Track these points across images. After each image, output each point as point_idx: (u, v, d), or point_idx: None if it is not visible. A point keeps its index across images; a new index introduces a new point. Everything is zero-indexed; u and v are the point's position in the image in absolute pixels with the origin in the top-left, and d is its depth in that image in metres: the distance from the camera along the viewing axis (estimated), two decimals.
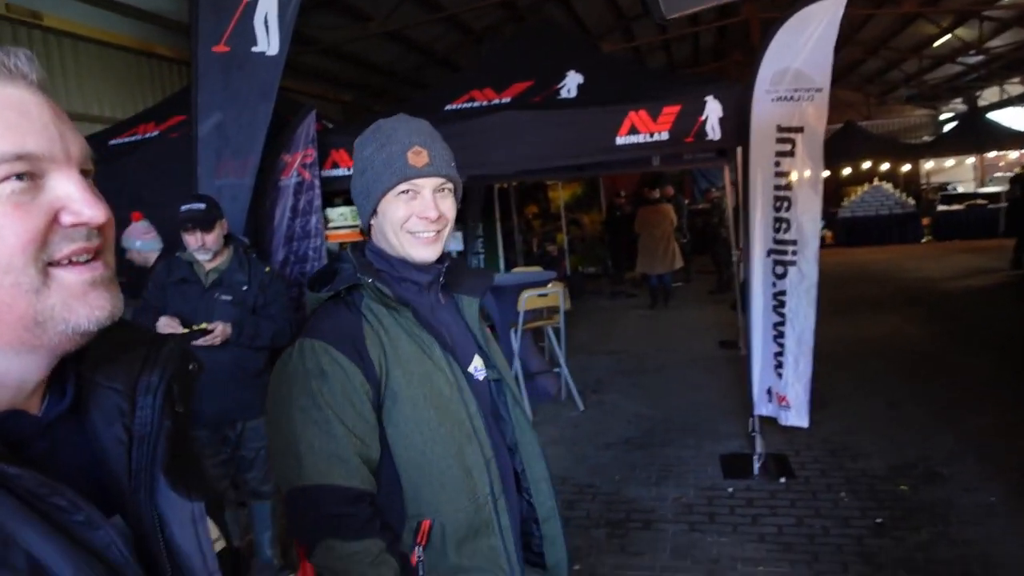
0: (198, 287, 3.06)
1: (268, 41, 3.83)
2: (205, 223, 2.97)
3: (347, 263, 1.30)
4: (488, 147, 4.34)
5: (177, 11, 7.38)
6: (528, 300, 5.42)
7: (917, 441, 4.45)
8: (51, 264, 0.60)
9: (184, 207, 2.99)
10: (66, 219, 0.61)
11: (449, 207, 1.29)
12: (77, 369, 0.69)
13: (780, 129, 3.91)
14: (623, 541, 3.55)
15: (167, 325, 2.90)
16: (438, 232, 1.27)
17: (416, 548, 1.21)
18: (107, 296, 0.64)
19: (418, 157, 1.24)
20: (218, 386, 3.02)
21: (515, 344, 5.47)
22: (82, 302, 0.61)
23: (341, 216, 9.09)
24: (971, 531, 3.34)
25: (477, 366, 1.36)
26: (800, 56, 3.77)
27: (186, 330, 2.92)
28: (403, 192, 1.25)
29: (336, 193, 4.65)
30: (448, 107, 4.83)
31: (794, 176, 3.92)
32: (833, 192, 17.92)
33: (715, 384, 6.09)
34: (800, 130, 3.88)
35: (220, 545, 0.76)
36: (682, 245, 10.99)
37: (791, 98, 3.85)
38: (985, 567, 3.03)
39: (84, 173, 0.64)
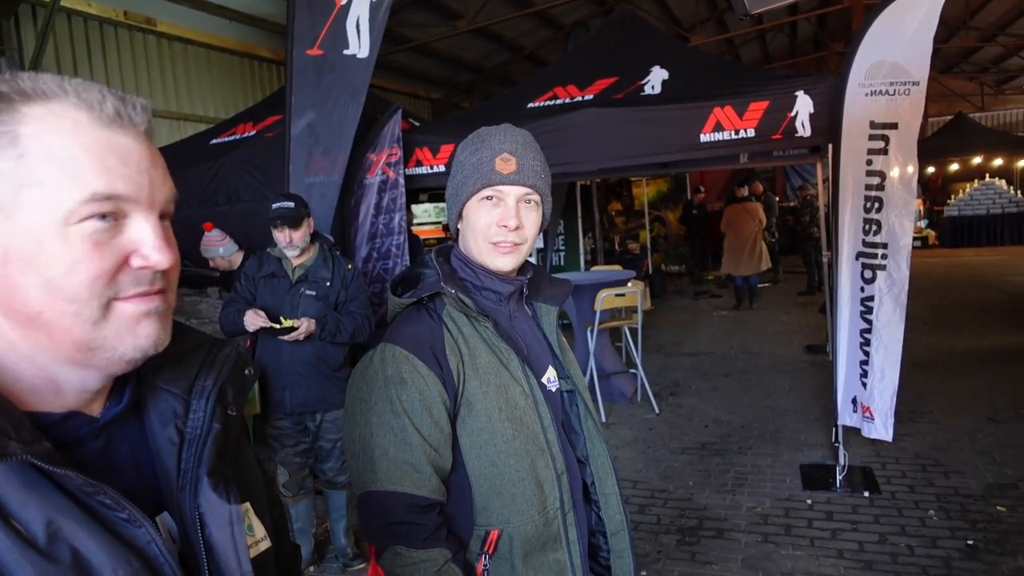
0: (286, 282, 3.23)
1: (359, 44, 3.97)
2: (293, 220, 3.12)
3: (431, 269, 1.30)
4: (569, 144, 4.34)
5: (277, 14, 7.73)
6: (605, 300, 5.39)
7: (1020, 460, 4.16)
8: (114, 299, 0.65)
9: (275, 205, 3.15)
10: (136, 262, 0.65)
11: (532, 219, 1.27)
12: (138, 372, 0.74)
13: (873, 125, 3.73)
14: (693, 549, 3.49)
15: (253, 318, 3.08)
16: (517, 244, 1.25)
17: (483, 557, 1.22)
18: (156, 328, 0.68)
19: (506, 164, 1.23)
20: (300, 378, 3.19)
21: (591, 343, 5.45)
22: (132, 333, 0.66)
23: (425, 212, 9.30)
24: None
25: (551, 377, 1.35)
26: (897, 48, 3.58)
27: (274, 324, 3.09)
28: (487, 198, 1.24)
29: (419, 190, 4.76)
30: (531, 105, 4.86)
31: (892, 173, 3.73)
32: (939, 189, 16.89)
33: (799, 390, 5.88)
34: (894, 126, 3.69)
35: (264, 545, 0.81)
36: (770, 245, 10.63)
37: (886, 92, 3.66)
38: None
39: (164, 216, 0.69)
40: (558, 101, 4.87)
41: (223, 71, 8.47)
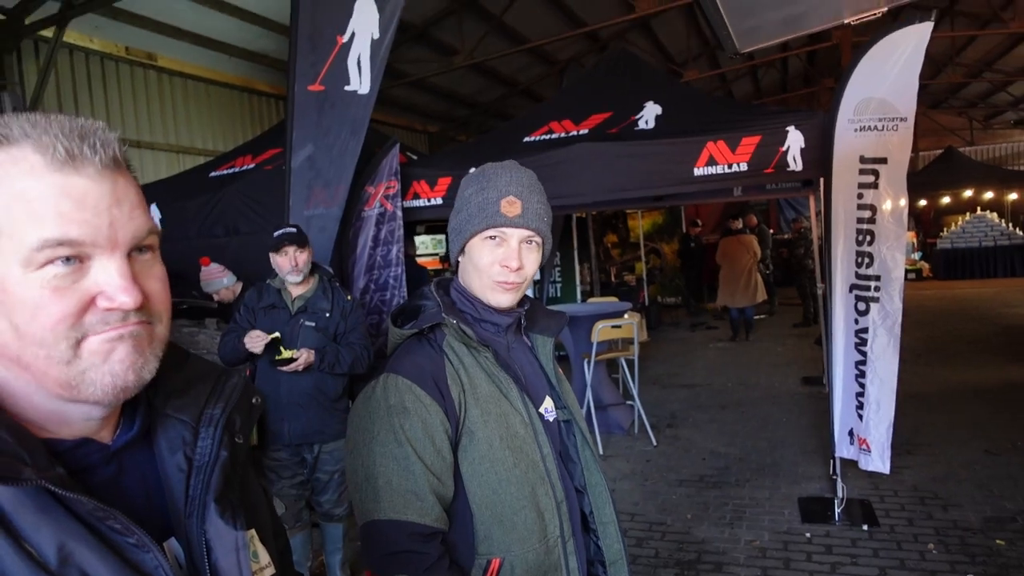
0: (285, 313, 3.25)
1: (360, 80, 4.04)
2: (299, 241, 3.16)
3: (431, 301, 1.33)
4: (566, 178, 4.40)
5: (276, 50, 7.87)
6: (602, 331, 5.41)
7: (1018, 493, 4.15)
8: (84, 338, 0.64)
9: (277, 232, 3.19)
10: (102, 303, 0.65)
11: (533, 259, 1.30)
12: (149, 400, 0.77)
13: (863, 160, 3.80)
14: None
15: (255, 338, 3.09)
16: (516, 283, 1.29)
17: None
18: (130, 354, 0.67)
19: (511, 207, 1.26)
20: (299, 409, 3.19)
21: (588, 375, 5.46)
22: (107, 363, 0.65)
23: (423, 244, 9.34)
24: None
25: (548, 407, 1.37)
26: (884, 85, 3.66)
27: (276, 336, 3.11)
28: (490, 237, 1.28)
29: (416, 222, 4.81)
30: (527, 139, 4.94)
31: (883, 207, 3.78)
32: (932, 222, 17.07)
33: (796, 422, 5.88)
34: (884, 161, 3.76)
35: (269, 572, 0.82)
36: (765, 277, 10.70)
37: (875, 128, 3.73)
38: None
39: (140, 250, 0.68)
40: (553, 135, 4.96)
41: (222, 105, 8.59)
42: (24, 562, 0.60)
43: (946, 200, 16.41)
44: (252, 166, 5.50)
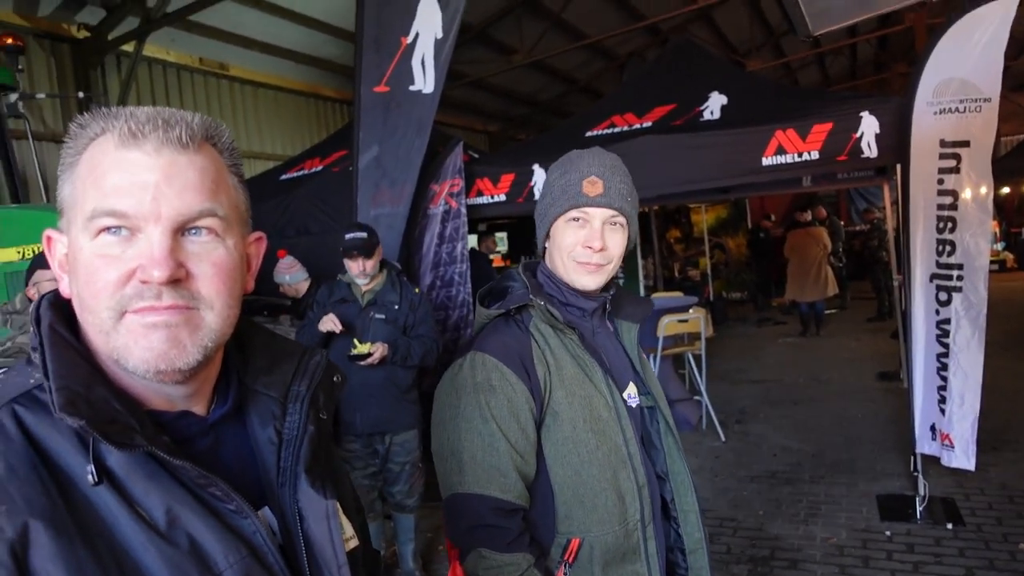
0: (356, 306, 3.35)
1: (424, 80, 4.11)
2: (366, 250, 3.25)
3: (517, 282, 1.35)
4: (629, 171, 4.36)
5: (341, 55, 8.07)
6: (668, 326, 5.35)
7: None
8: (125, 312, 0.66)
9: (348, 235, 3.28)
10: (138, 274, 0.66)
11: (617, 241, 1.30)
12: (240, 378, 0.81)
13: (944, 144, 3.64)
14: None
15: (327, 321, 3.21)
16: (601, 264, 1.28)
17: (563, 565, 1.23)
18: (163, 343, 0.67)
19: (593, 187, 1.26)
20: (371, 400, 3.27)
21: (654, 370, 5.39)
22: (138, 346, 0.66)
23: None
24: None
25: (631, 393, 1.37)
26: (966, 64, 3.50)
27: (347, 335, 3.21)
28: (573, 219, 1.28)
29: (480, 220, 4.85)
30: (589, 133, 4.93)
31: (965, 193, 3.62)
32: (1016, 210, 16.17)
33: (873, 418, 5.67)
34: (966, 144, 3.59)
35: (353, 543, 0.85)
36: (837, 270, 10.35)
37: (956, 110, 3.57)
38: None
39: (200, 230, 0.69)
40: (616, 129, 4.92)
41: (290, 111, 8.86)
42: (137, 524, 0.64)
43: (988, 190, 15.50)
44: (320, 168, 5.66)
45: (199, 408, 0.77)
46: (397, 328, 3.32)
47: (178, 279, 0.67)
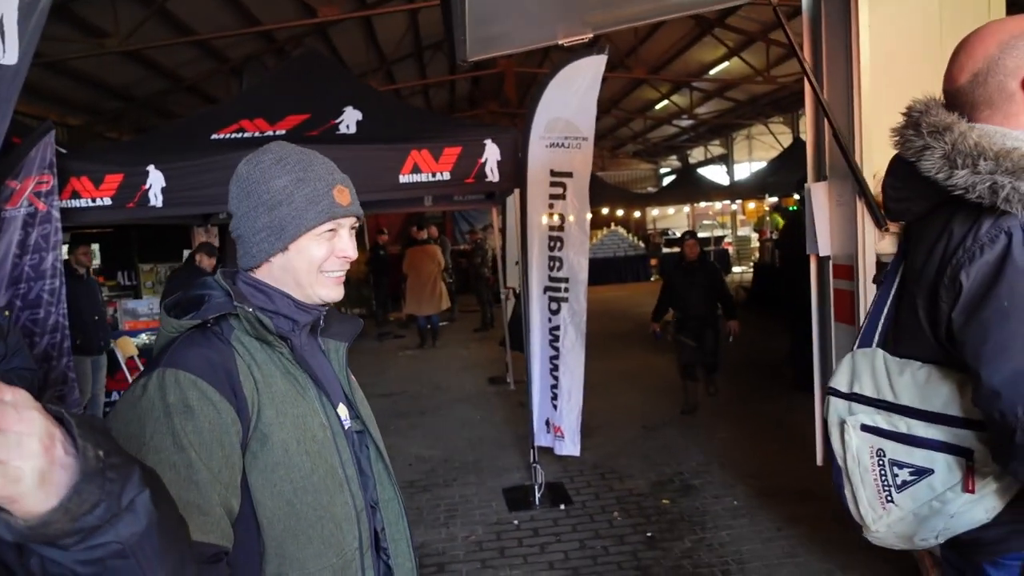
0: None
1: (4, 47, 3.23)
2: None
3: (217, 291, 1.15)
4: None
5: None
6: None
7: (671, 459, 4.96)
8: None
9: None
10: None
11: (356, 247, 1.27)
12: None
13: (553, 173, 4.21)
14: None
15: None
16: (343, 274, 1.25)
17: None
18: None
19: (342, 195, 1.20)
20: None
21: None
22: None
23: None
24: (723, 534, 3.78)
25: (343, 415, 1.25)
26: (570, 107, 4.10)
27: None
28: (329, 231, 1.20)
29: (78, 227, 4.02)
30: (215, 136, 4.47)
31: (570, 216, 4.22)
32: None
33: (490, 420, 6.25)
34: (570, 175, 4.21)
35: None
36: (448, 285, 11.22)
37: (562, 145, 4.16)
38: (739, 564, 3.45)
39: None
40: (247, 134, 4.55)
41: None
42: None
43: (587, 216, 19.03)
44: None
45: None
46: None
47: None
